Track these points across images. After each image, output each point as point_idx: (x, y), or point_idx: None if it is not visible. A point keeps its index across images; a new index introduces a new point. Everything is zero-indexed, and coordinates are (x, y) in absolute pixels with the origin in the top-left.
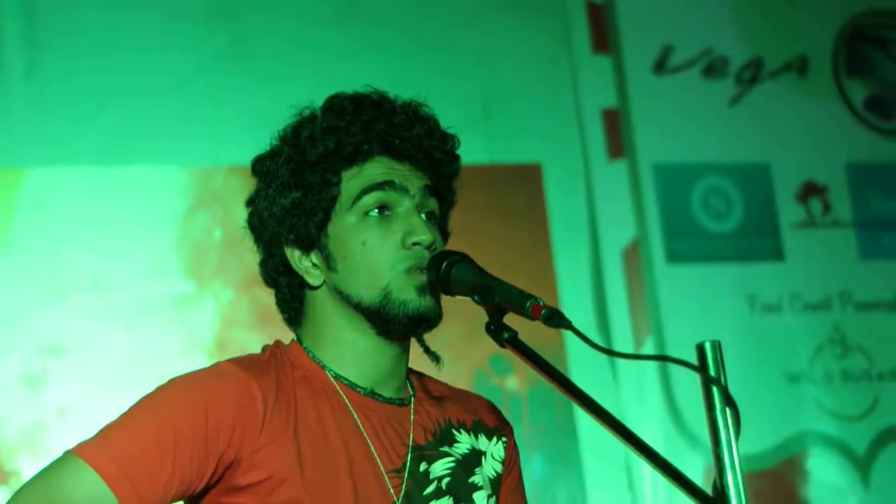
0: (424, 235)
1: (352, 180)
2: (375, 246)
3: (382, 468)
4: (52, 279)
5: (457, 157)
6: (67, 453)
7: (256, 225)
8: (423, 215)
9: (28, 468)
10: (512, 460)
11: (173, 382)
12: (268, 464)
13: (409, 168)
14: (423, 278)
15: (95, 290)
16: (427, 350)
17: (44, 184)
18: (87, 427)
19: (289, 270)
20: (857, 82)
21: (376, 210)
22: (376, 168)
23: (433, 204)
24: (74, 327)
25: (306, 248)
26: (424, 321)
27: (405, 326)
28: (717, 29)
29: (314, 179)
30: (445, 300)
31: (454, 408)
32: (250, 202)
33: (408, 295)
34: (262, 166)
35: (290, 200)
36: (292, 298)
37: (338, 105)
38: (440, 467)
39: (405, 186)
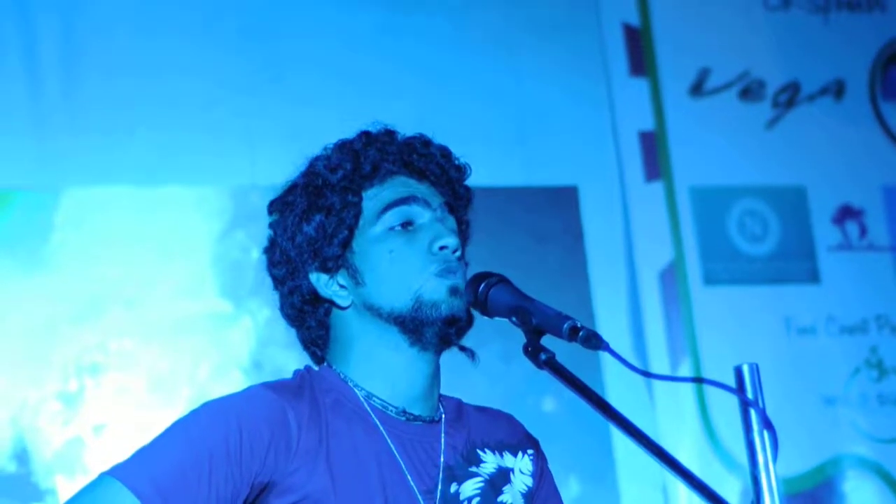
0: (450, 239)
1: (373, 199)
2: (403, 253)
3: (416, 488)
4: (89, 298)
5: (467, 185)
6: (103, 475)
7: (279, 261)
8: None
9: (64, 486)
10: (542, 470)
11: (207, 405)
12: (301, 486)
13: (428, 187)
14: (453, 280)
15: (132, 309)
16: (462, 348)
17: (81, 204)
18: (123, 445)
19: (314, 299)
20: (894, 106)
21: (400, 225)
22: (397, 186)
23: (452, 223)
24: (111, 345)
25: (333, 271)
26: (457, 321)
27: (440, 329)
28: (754, 52)
29: (335, 200)
30: (483, 321)
31: (478, 428)
32: (269, 246)
33: (439, 296)
34: (277, 204)
35: (313, 225)
36: (318, 326)
37: (348, 139)
38: (470, 488)
39: (427, 201)
